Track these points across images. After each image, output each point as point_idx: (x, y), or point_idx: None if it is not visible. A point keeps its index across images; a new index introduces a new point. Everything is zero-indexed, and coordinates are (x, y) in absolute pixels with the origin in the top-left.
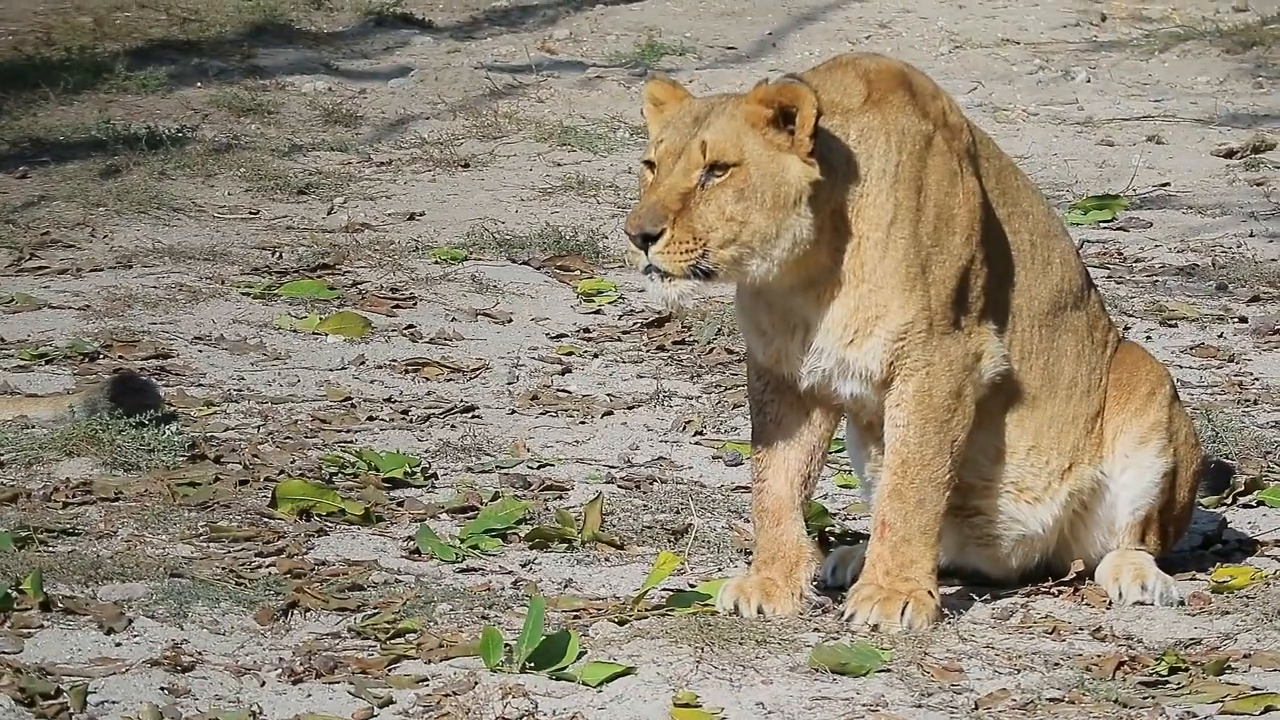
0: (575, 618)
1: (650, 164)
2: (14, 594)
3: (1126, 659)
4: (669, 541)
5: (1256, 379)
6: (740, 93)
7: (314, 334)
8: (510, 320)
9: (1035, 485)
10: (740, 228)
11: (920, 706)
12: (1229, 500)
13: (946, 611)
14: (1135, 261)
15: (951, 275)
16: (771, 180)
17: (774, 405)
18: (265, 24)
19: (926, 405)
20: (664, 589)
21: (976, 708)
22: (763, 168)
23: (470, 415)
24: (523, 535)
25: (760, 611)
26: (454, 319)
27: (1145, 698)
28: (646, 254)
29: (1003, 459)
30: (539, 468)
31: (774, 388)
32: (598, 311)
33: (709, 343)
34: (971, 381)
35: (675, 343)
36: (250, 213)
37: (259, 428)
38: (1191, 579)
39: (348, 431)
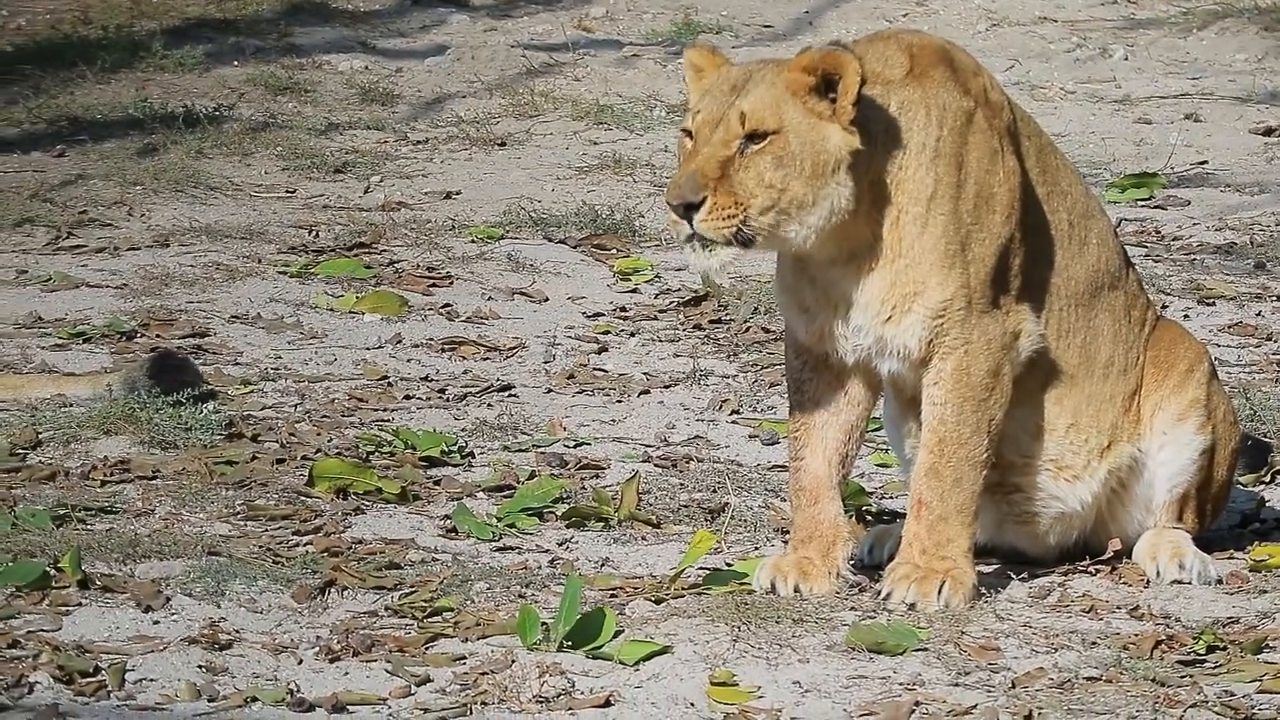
0: (612, 596)
1: (688, 133)
2: (52, 572)
3: (1164, 638)
4: (705, 520)
5: None
6: (780, 59)
7: (351, 313)
8: (546, 299)
9: (1075, 463)
10: (779, 195)
11: (957, 685)
12: (1267, 478)
13: (983, 590)
14: (1173, 240)
15: (991, 253)
16: (811, 148)
17: (812, 384)
18: (302, 2)
19: (964, 384)
20: (700, 568)
21: (1013, 686)
22: (802, 136)
23: (507, 394)
24: (559, 514)
25: (797, 590)
26: (490, 298)
27: (1183, 677)
28: (690, 223)
29: (1042, 436)
30: (575, 446)
31: (812, 366)
32: (634, 290)
33: (746, 321)
34: (1009, 360)
35: (712, 321)
36: (287, 191)
37: (296, 406)
38: (1229, 558)
39: (384, 410)
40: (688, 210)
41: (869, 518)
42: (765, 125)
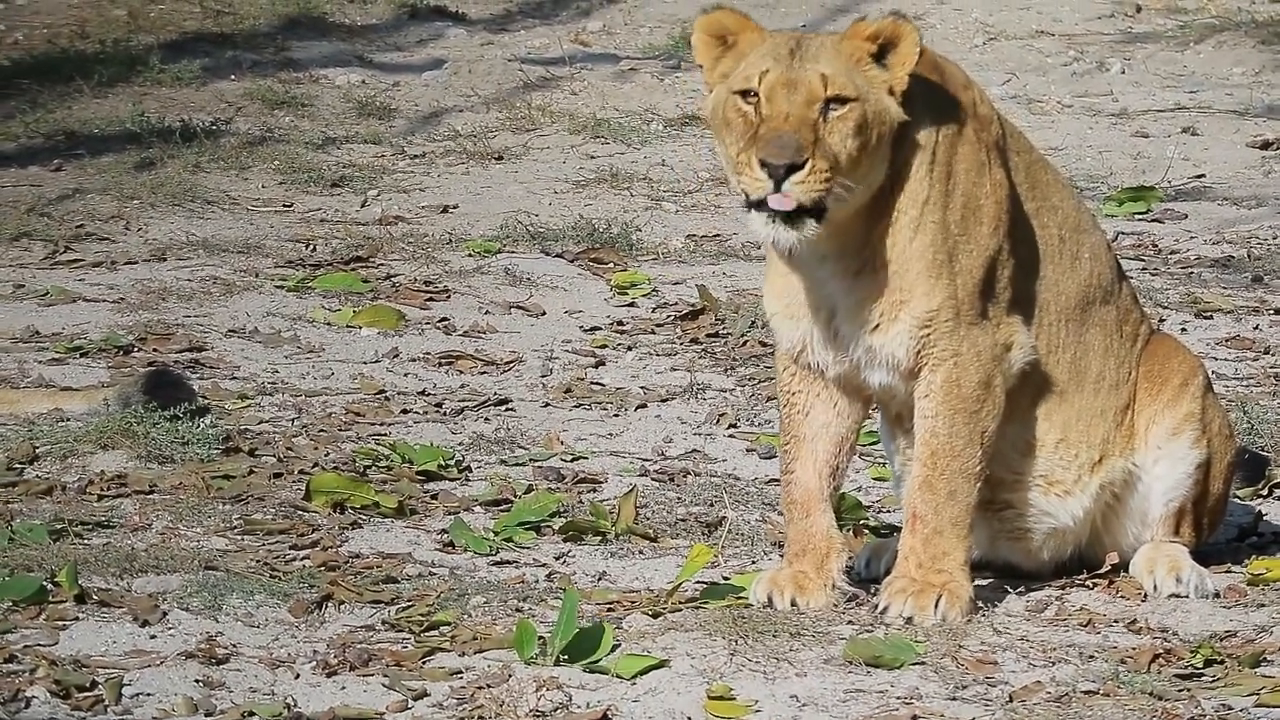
0: (609, 610)
1: (747, 94)
2: (49, 586)
3: (1162, 651)
4: (703, 534)
5: None
6: (824, 34)
7: (348, 327)
8: (544, 313)
9: (1065, 478)
10: (854, 164)
11: (954, 699)
12: (1265, 492)
13: (980, 604)
14: (1170, 253)
15: (978, 265)
16: (879, 118)
17: (802, 396)
18: (299, 16)
19: (955, 396)
20: (698, 582)
21: (1011, 700)
22: (873, 104)
23: (504, 408)
24: (556, 528)
25: (793, 604)
26: (487, 312)
27: (1180, 690)
28: (779, 186)
29: (1031, 452)
30: (572, 460)
31: (802, 378)
32: (631, 304)
33: (743, 335)
34: (1001, 372)
35: (709, 335)
36: (284, 205)
37: (293, 420)
38: (1227, 571)
39: (381, 424)
40: (789, 171)
41: (867, 531)
42: (846, 91)
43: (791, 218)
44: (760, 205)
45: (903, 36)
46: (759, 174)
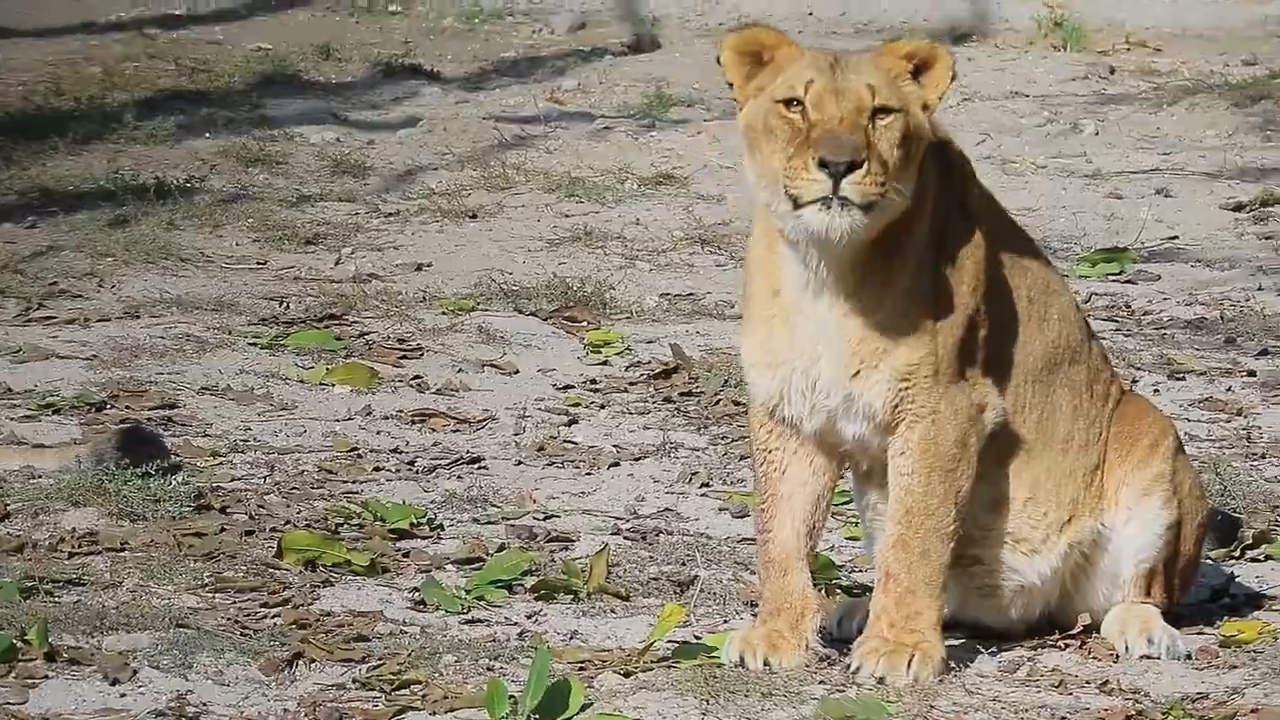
0: (580, 669)
1: (793, 102)
2: (19, 644)
3: (1134, 713)
4: (675, 593)
5: (1264, 432)
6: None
7: (321, 384)
8: (517, 371)
9: (1033, 537)
10: (899, 172)
11: None
12: (1237, 554)
13: (952, 664)
14: (1143, 314)
15: (959, 324)
16: (918, 131)
17: (778, 454)
18: (274, 74)
19: (932, 454)
20: (670, 641)
21: None
22: (913, 118)
23: (476, 466)
24: (528, 586)
25: (766, 664)
26: (461, 370)
27: None
28: (837, 186)
29: (1000, 509)
30: (545, 519)
31: (778, 435)
32: (605, 362)
33: (715, 394)
34: (976, 432)
35: (682, 394)
36: (258, 263)
37: (265, 478)
38: (1199, 633)
39: (354, 482)
40: (849, 169)
41: (839, 591)
42: (891, 101)
43: (847, 203)
44: (814, 204)
45: (938, 59)
46: (816, 174)
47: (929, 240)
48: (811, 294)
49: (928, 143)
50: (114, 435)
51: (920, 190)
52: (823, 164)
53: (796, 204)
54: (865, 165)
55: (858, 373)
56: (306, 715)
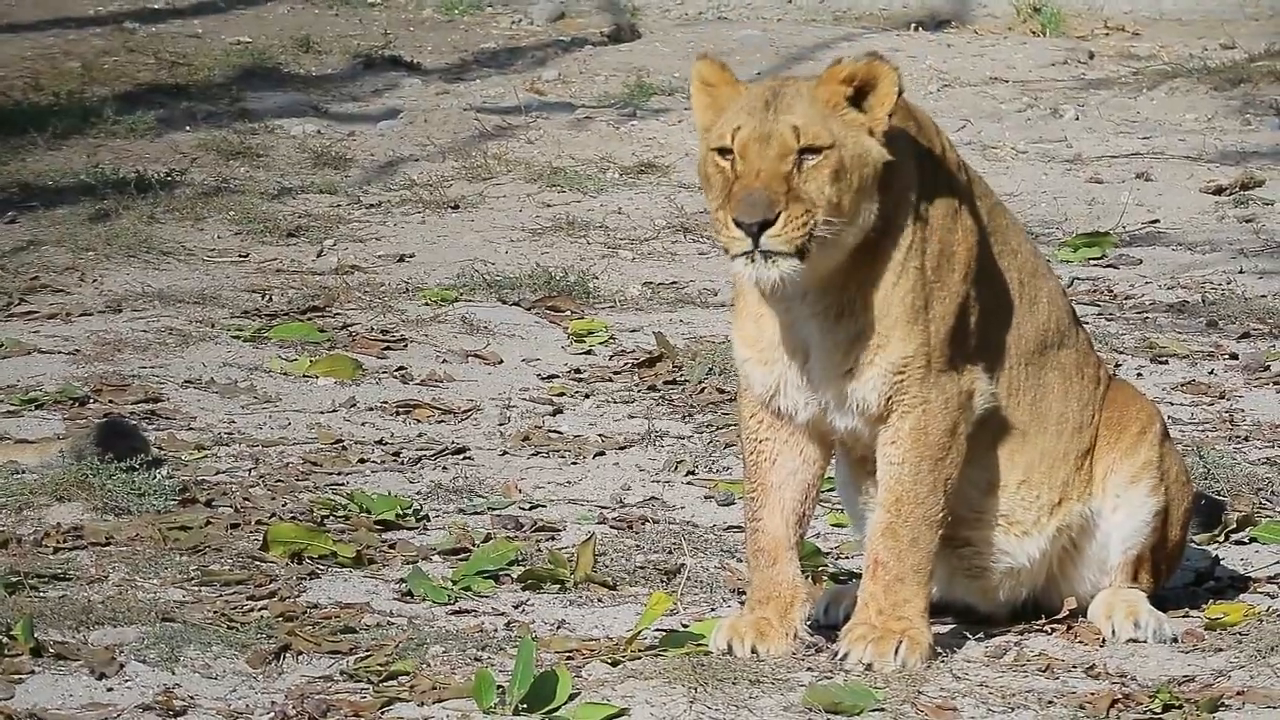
0: (568, 658)
1: (724, 151)
2: (5, 640)
3: (1120, 697)
4: (662, 582)
5: (1247, 415)
6: (798, 76)
7: (304, 376)
8: (501, 361)
9: (1025, 519)
10: (834, 209)
11: None
12: (1221, 537)
13: (939, 650)
14: (1125, 299)
15: (951, 313)
16: (858, 161)
17: (769, 444)
18: (254, 67)
19: (922, 443)
20: (657, 629)
21: None
22: (850, 149)
23: (462, 457)
24: (515, 576)
25: (754, 651)
26: (445, 360)
27: None
28: (757, 241)
29: (994, 491)
30: (531, 509)
31: (770, 425)
32: (589, 352)
33: (700, 382)
34: (964, 419)
35: (666, 383)
36: (240, 256)
37: (250, 471)
38: (1184, 616)
39: (339, 474)
40: (762, 228)
41: (825, 578)
42: (819, 140)
43: (771, 255)
44: (741, 257)
45: (880, 77)
46: (735, 231)
47: (916, 234)
48: (798, 299)
49: (880, 164)
50: (93, 430)
51: (898, 195)
52: (738, 223)
53: (729, 253)
54: (782, 218)
55: (850, 370)
56: (294, 707)
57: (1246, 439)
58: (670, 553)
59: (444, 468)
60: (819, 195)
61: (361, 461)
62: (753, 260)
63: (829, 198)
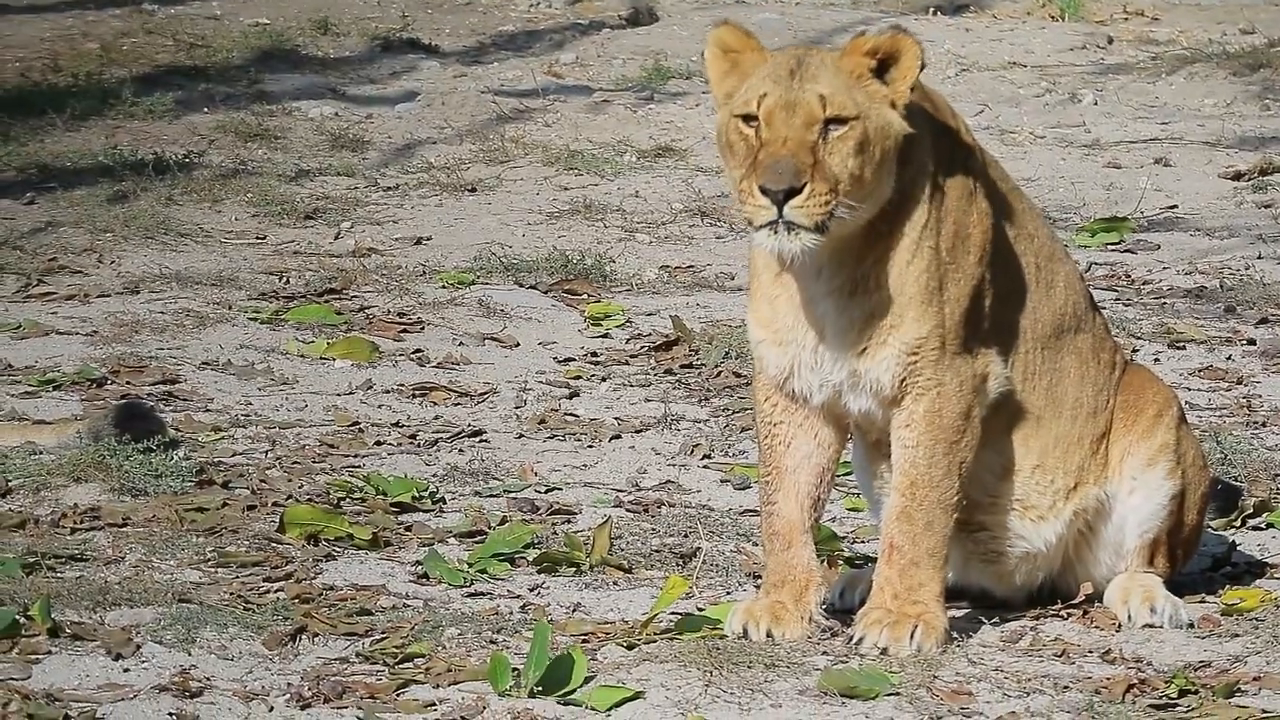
0: (584, 641)
1: (749, 118)
2: (22, 620)
3: (1136, 682)
4: (677, 565)
5: (1265, 401)
6: (820, 46)
7: (321, 359)
8: (517, 344)
9: (1040, 503)
10: (856, 182)
11: None
12: (1238, 522)
13: (955, 634)
14: (1143, 284)
15: (965, 295)
16: (881, 134)
17: (784, 428)
18: (272, 49)
19: (936, 426)
20: (672, 612)
21: None
22: (874, 121)
23: (478, 439)
24: (531, 559)
25: (769, 635)
26: (461, 343)
27: None
28: (781, 210)
29: (1009, 476)
30: (547, 491)
31: (784, 409)
32: (605, 335)
33: (717, 366)
34: (979, 403)
35: (683, 366)
36: (257, 238)
37: (267, 453)
38: (1201, 601)
39: (355, 456)
40: (788, 196)
41: (841, 562)
42: (845, 111)
43: (794, 227)
44: (764, 228)
45: (904, 50)
46: (760, 199)
47: (932, 213)
48: (813, 276)
49: (900, 137)
50: (110, 411)
51: (915, 171)
52: (764, 190)
53: (751, 224)
54: (808, 188)
55: (865, 349)
56: (310, 689)
57: (1264, 424)
58: (686, 536)
59: (460, 450)
60: (842, 169)
61: (378, 444)
62: (775, 232)
63: (851, 170)
